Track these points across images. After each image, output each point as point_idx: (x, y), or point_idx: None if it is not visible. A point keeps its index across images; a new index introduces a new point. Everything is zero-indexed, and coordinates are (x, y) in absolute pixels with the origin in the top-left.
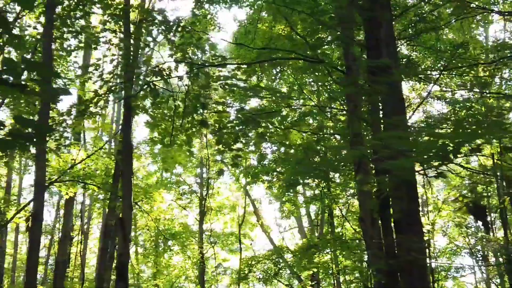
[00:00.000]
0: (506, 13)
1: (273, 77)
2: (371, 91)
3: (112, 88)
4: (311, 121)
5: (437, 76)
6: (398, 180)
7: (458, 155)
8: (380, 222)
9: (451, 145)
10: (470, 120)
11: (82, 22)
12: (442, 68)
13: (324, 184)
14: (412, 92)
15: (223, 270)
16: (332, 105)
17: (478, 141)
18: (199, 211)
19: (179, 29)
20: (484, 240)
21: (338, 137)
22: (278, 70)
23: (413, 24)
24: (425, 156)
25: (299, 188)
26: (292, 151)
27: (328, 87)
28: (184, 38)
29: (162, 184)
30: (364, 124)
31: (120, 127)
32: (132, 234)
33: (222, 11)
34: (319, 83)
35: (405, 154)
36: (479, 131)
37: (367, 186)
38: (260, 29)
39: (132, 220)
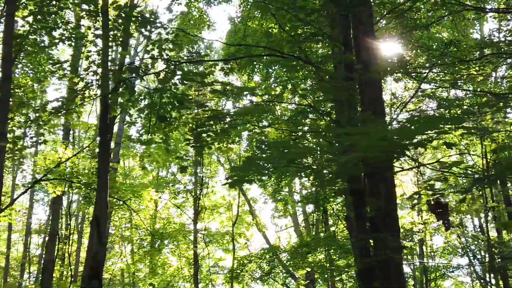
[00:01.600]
0: (499, 10)
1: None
2: (348, 88)
3: (88, 85)
4: (307, 120)
5: (427, 73)
6: (375, 177)
7: (407, 151)
8: (356, 220)
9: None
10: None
11: (72, 18)
12: (430, 65)
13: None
14: (404, 91)
15: (218, 269)
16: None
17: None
18: (193, 210)
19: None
20: (478, 240)
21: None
22: (273, 68)
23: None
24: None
25: (297, 187)
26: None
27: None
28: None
29: (157, 183)
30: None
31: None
32: (128, 233)
33: (213, 9)
34: (312, 82)
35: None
36: (421, 127)
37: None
38: (250, 27)
39: (129, 219)
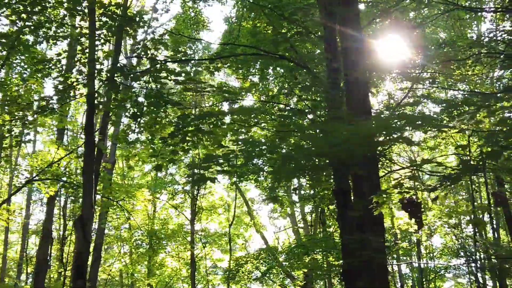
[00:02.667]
0: (495, 9)
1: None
2: (332, 87)
3: (73, 84)
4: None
5: (419, 73)
6: (359, 176)
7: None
8: (339, 220)
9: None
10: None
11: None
12: (422, 65)
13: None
14: (399, 91)
15: (216, 269)
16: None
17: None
18: (190, 211)
19: (141, 23)
20: (472, 241)
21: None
22: (271, 69)
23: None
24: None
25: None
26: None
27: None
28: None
29: (155, 184)
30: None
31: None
32: (125, 234)
33: (209, 10)
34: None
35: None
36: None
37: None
38: (245, 27)
39: (124, 219)
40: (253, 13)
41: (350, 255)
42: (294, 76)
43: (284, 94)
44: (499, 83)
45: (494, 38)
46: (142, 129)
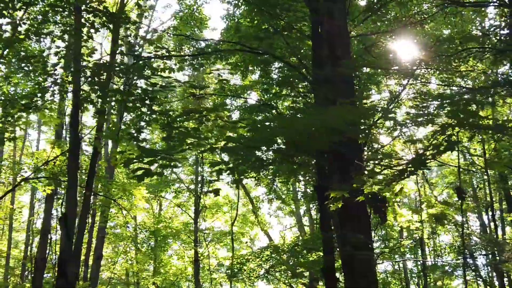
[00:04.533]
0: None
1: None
2: (319, 83)
3: (57, 81)
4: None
5: (415, 70)
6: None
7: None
8: (320, 217)
9: None
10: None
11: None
12: (418, 62)
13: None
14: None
15: (219, 268)
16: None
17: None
18: (194, 209)
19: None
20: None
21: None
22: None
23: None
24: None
25: (299, 186)
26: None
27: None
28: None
29: (160, 181)
30: None
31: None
32: (125, 232)
33: (211, 9)
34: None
35: None
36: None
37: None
38: (242, 24)
39: (125, 217)
40: (244, 9)
41: (330, 252)
42: (267, 72)
43: (263, 91)
44: (501, 78)
45: (487, 33)
46: (126, 126)
